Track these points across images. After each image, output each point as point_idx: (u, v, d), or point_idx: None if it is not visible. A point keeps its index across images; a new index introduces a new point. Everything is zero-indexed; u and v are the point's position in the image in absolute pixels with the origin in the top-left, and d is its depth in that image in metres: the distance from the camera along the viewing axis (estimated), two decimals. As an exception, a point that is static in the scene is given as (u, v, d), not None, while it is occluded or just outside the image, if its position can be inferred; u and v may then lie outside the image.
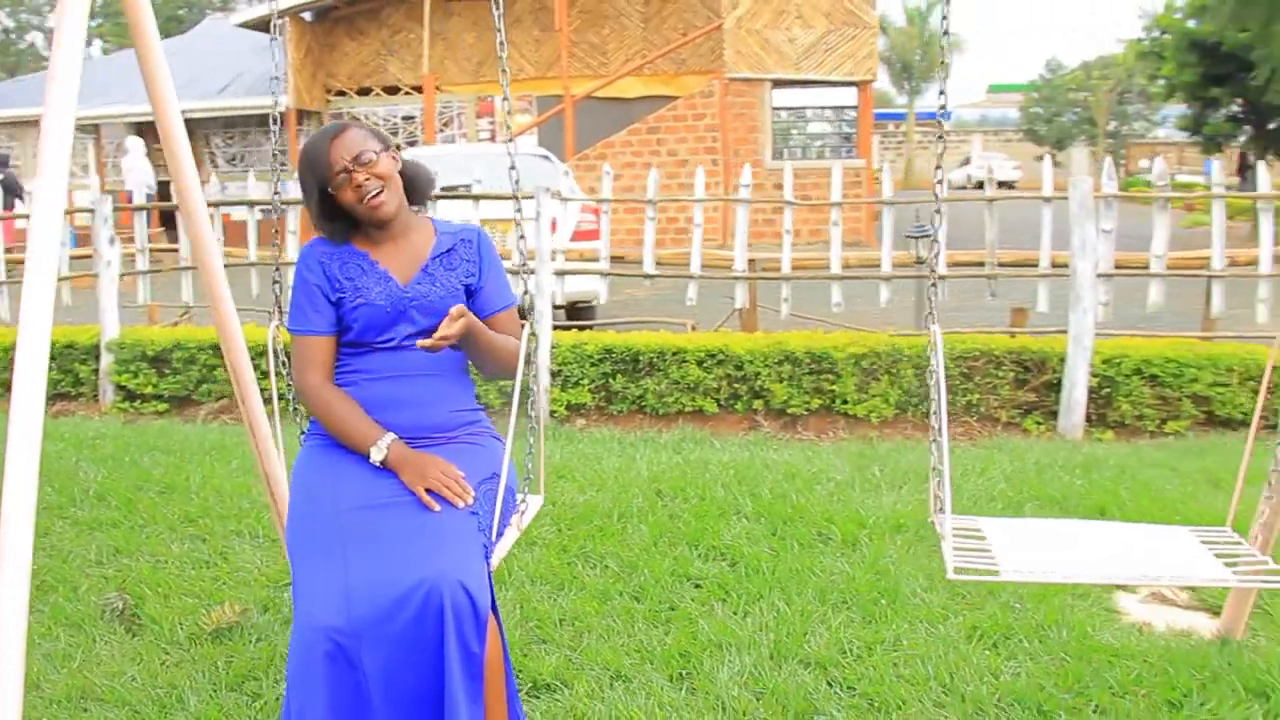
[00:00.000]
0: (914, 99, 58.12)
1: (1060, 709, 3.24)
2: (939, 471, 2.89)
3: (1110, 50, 48.85)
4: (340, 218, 2.75)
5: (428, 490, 2.55)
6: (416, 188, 2.84)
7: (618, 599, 3.97)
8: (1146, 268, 6.97)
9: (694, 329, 8.33)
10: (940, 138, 3.06)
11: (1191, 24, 23.04)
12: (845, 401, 6.82)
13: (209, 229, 3.29)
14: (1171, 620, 3.96)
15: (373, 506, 2.53)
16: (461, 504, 2.54)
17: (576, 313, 9.65)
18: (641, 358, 6.81)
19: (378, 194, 2.69)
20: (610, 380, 6.82)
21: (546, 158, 11.38)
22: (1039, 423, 6.79)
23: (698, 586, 4.14)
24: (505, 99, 2.93)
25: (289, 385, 2.95)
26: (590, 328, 7.93)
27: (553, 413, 6.80)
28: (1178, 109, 50.36)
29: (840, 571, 4.25)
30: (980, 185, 37.51)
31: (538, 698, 3.28)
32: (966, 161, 49.17)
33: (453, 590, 2.33)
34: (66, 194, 2.41)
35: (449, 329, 2.58)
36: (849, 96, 20.41)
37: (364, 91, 22.32)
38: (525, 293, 2.92)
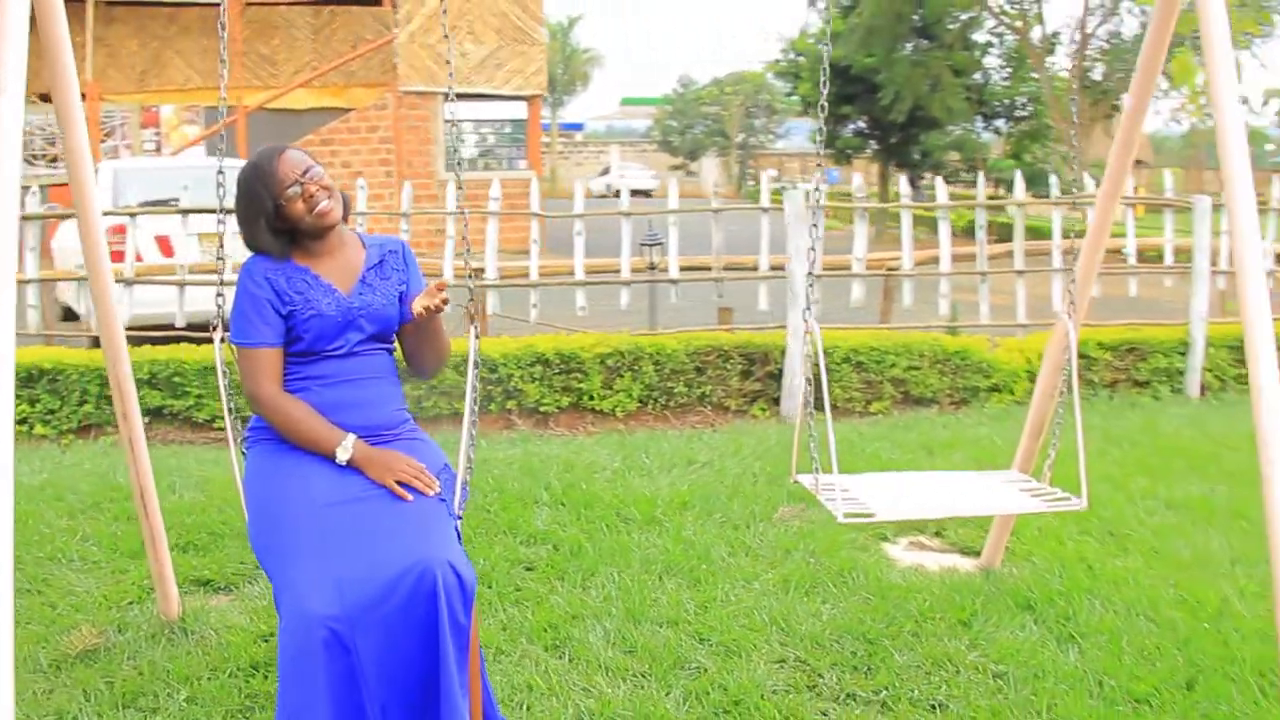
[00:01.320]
0: (556, 110, 59.88)
1: (881, 636, 3.85)
2: (811, 439, 3.38)
3: (740, 68, 52.48)
4: (282, 233, 2.90)
5: (399, 482, 2.75)
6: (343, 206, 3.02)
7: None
8: (849, 269, 7.93)
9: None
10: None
11: (825, 48, 25.35)
12: (592, 398, 7.29)
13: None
14: (937, 561, 4.71)
15: (348, 502, 2.70)
16: (431, 492, 2.76)
17: None
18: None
19: (329, 203, 2.86)
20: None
21: None
22: (764, 409, 7.56)
23: (530, 569, 4.46)
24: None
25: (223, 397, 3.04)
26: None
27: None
28: (800, 123, 54.96)
29: (654, 545, 4.70)
30: (620, 194, 39.11)
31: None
32: (606, 171, 51.23)
33: (443, 570, 2.56)
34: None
35: (437, 297, 2.82)
36: (520, 110, 21.03)
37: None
38: (470, 300, 3.14)
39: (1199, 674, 3.61)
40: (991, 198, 10.28)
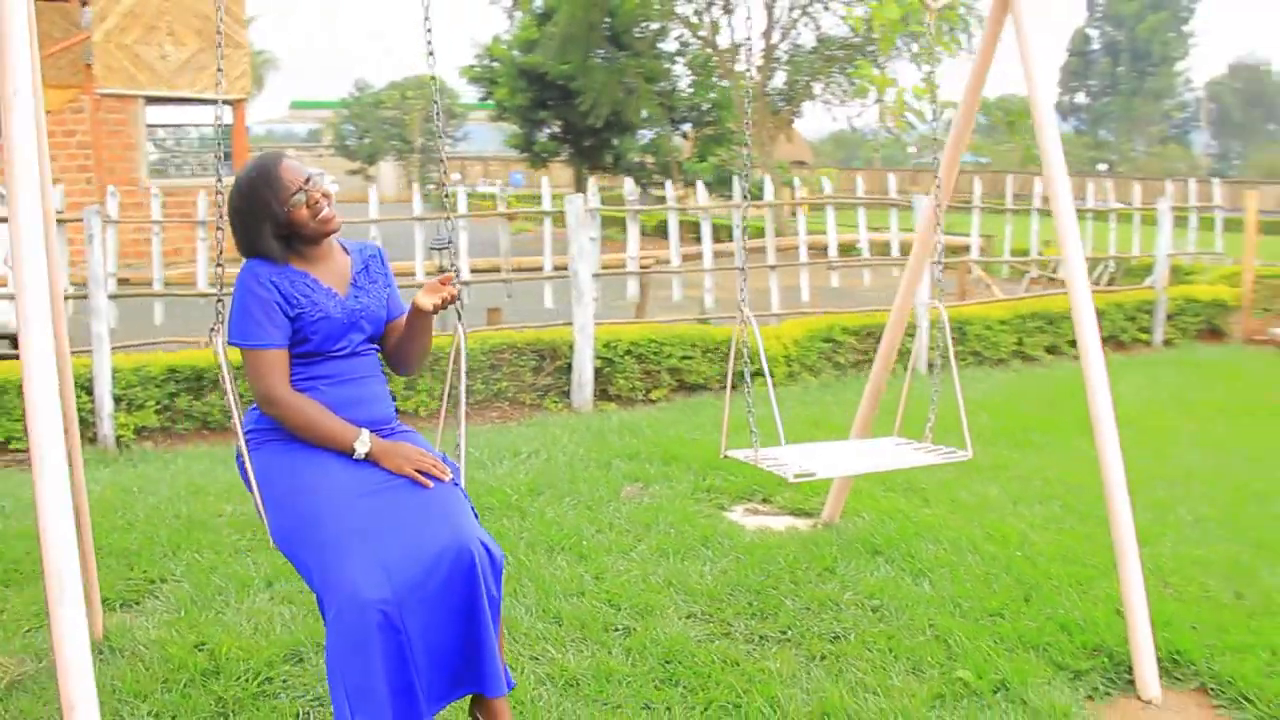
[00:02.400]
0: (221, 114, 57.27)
1: (765, 586, 4.35)
2: (750, 414, 3.81)
3: (420, 72, 52.21)
4: (281, 238, 2.99)
5: (419, 471, 2.92)
6: None
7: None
8: (624, 268, 8.45)
9: (204, 345, 8.36)
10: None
11: (517, 54, 25.97)
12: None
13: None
14: (778, 523, 5.28)
15: (376, 491, 2.84)
16: (447, 478, 2.96)
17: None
18: (205, 376, 6.86)
19: (331, 211, 2.99)
20: (175, 400, 6.79)
21: None
22: (556, 401, 7.96)
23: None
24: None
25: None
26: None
27: (118, 438, 6.64)
28: (478, 127, 55.22)
29: (527, 529, 5.01)
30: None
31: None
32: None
33: (477, 548, 2.79)
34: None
35: (444, 291, 3.03)
36: (224, 114, 20.25)
37: None
38: (457, 297, 3.31)
39: (1030, 590, 4.35)
40: (681, 199, 11.20)
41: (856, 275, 9.97)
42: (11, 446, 6.49)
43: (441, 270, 8.55)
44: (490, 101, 30.05)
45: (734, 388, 3.95)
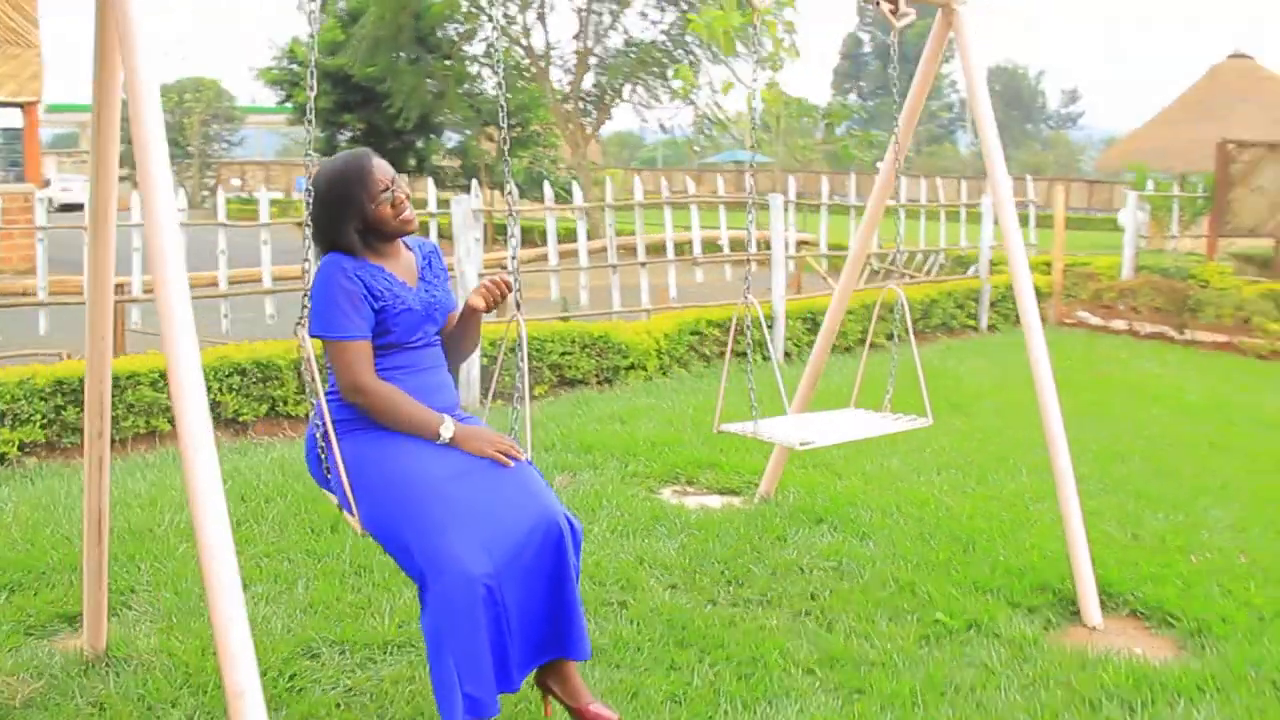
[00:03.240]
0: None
1: (730, 557, 4.70)
2: (751, 389, 4.14)
3: (200, 74, 50.38)
4: (358, 233, 3.12)
5: (500, 452, 3.10)
6: None
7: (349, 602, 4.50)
8: (505, 268, 8.66)
9: (67, 357, 8.10)
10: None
11: (319, 56, 25.49)
12: (286, 403, 7.44)
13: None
14: (711, 501, 5.65)
15: (466, 473, 3.02)
16: (525, 458, 3.16)
17: None
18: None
19: (411, 212, 3.14)
20: (62, 413, 6.60)
21: None
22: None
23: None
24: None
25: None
26: None
27: (3, 456, 6.41)
28: (253, 130, 53.68)
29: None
30: (65, 208, 35.92)
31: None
32: (47, 184, 46.94)
33: (562, 521, 3.03)
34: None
35: (496, 292, 3.24)
36: (13, 118, 19.20)
37: None
38: (516, 289, 3.48)
39: (966, 543, 4.87)
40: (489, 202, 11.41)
41: (689, 273, 10.45)
42: None
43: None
44: (288, 105, 29.38)
45: (737, 359, 4.26)
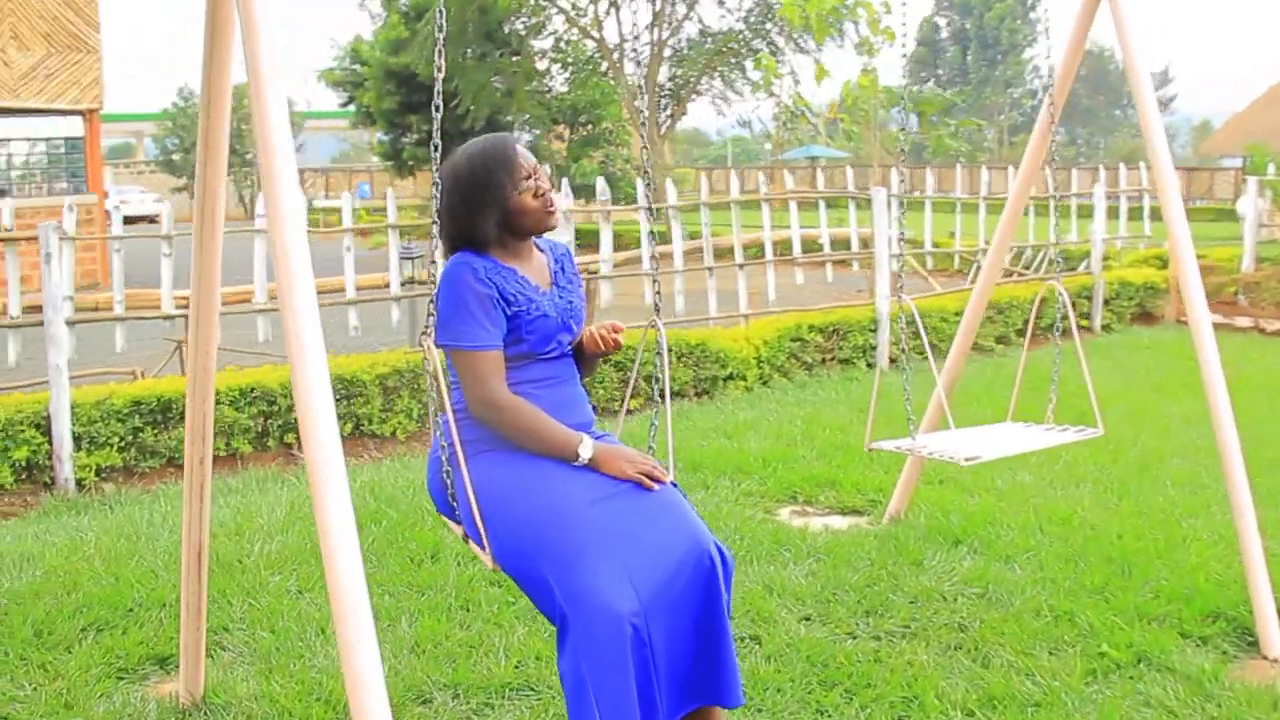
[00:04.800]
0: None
1: (865, 584, 4.53)
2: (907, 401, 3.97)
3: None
4: (497, 227, 2.98)
5: (641, 474, 2.93)
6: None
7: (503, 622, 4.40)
8: (596, 272, 8.56)
9: (142, 375, 8.14)
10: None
11: (384, 55, 25.68)
12: (371, 421, 7.40)
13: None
14: (836, 522, 5.48)
15: (608, 498, 2.85)
16: (669, 480, 3.01)
17: None
18: (174, 406, 6.70)
19: (555, 203, 3.00)
20: (140, 435, 6.61)
21: None
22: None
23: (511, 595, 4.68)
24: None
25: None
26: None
27: (79, 481, 6.41)
28: (313, 136, 54.26)
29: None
30: (125, 220, 36.63)
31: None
32: (105, 195, 47.86)
33: (713, 551, 2.87)
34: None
35: (609, 345, 3.10)
36: (75, 126, 19.54)
37: None
38: (656, 292, 3.35)
39: (1122, 566, 4.64)
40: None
41: (788, 274, 10.27)
42: None
43: (412, 281, 8.51)
44: (350, 108, 29.67)
45: (883, 368, 4.10)
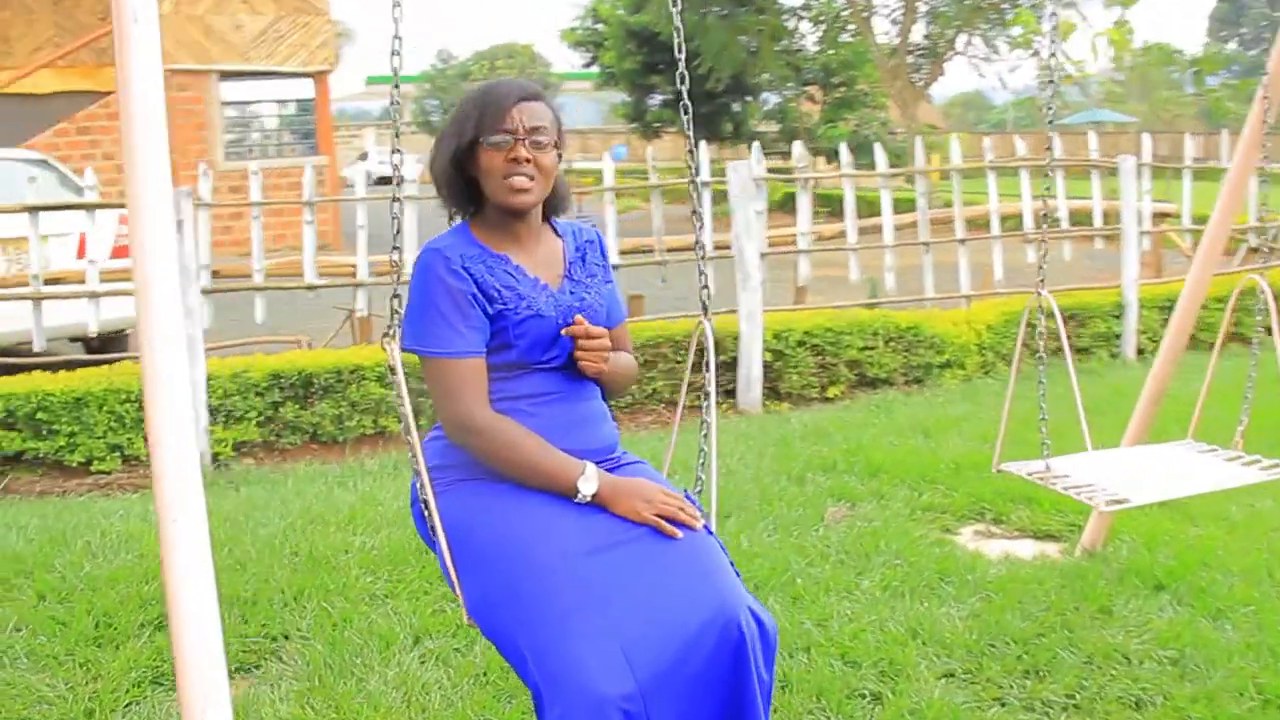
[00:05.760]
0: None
1: (1030, 634, 3.84)
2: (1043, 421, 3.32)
3: (508, 40, 52.26)
4: (463, 182, 2.55)
5: (661, 516, 2.41)
6: (552, 203, 2.66)
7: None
8: (795, 244, 7.97)
9: (309, 345, 8.09)
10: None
11: (624, 14, 25.57)
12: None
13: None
14: (1019, 548, 4.76)
15: (610, 547, 2.37)
16: (699, 525, 2.45)
17: (105, 345, 8.67)
18: (315, 381, 6.54)
19: (527, 180, 2.49)
20: (279, 410, 6.48)
21: (44, 162, 10.32)
22: (719, 402, 7.49)
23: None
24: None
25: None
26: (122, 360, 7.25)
27: (215, 456, 6.35)
28: (570, 98, 55.10)
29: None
30: (382, 181, 38.07)
31: None
32: (364, 156, 50.04)
33: (745, 619, 2.30)
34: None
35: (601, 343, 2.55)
36: (305, 88, 20.23)
37: None
38: (704, 287, 2.87)
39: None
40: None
41: (1017, 251, 9.32)
42: (94, 469, 6.19)
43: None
44: (593, 69, 29.73)
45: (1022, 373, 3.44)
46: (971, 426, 6.66)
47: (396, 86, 2.45)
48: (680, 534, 2.41)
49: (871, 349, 7.83)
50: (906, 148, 13.94)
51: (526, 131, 2.49)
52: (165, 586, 1.84)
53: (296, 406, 6.54)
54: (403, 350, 2.46)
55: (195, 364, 6.21)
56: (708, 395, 2.74)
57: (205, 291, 6.74)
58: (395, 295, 2.49)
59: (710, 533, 2.51)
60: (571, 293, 2.61)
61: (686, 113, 2.59)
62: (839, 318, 7.83)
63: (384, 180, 37.54)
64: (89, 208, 7.13)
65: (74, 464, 6.19)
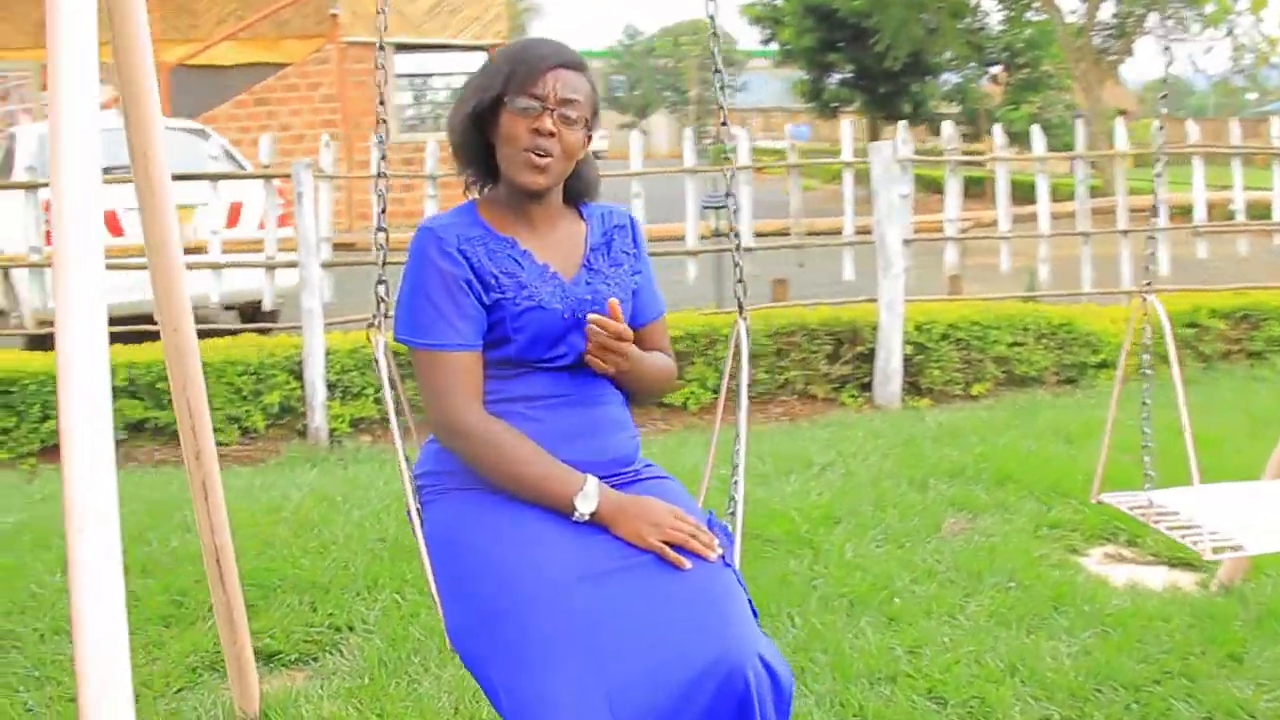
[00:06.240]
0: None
1: (1146, 681, 3.39)
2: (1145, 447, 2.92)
3: (695, 16, 51.86)
4: (479, 147, 2.29)
5: (668, 543, 2.11)
6: (578, 188, 2.39)
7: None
8: (941, 231, 7.49)
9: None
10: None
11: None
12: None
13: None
14: (1151, 576, 4.28)
15: (604, 575, 2.07)
16: (714, 556, 2.13)
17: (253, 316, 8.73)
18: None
19: (546, 158, 2.20)
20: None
21: (202, 132, 10.52)
22: (854, 395, 7.11)
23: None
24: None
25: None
26: (270, 331, 7.25)
27: (332, 432, 6.27)
28: (758, 76, 54.40)
29: (820, 573, 4.21)
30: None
31: None
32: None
33: (754, 666, 1.98)
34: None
35: (605, 357, 2.23)
36: (478, 62, 20.32)
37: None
38: (739, 280, 2.58)
39: None
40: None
41: (1227, 243, 8.59)
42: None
43: (717, 234, 7.80)
44: (772, 47, 29.16)
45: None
46: (1120, 434, 6.08)
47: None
48: (688, 564, 2.11)
49: (1021, 345, 7.31)
50: (1089, 131, 13.10)
51: (558, 101, 2.21)
52: (71, 604, 1.62)
53: (414, 384, 6.40)
54: (397, 339, 2.28)
55: (314, 337, 6.14)
56: (740, 416, 2.42)
57: (325, 265, 6.68)
58: (381, 280, 2.26)
59: (728, 565, 2.19)
60: (587, 283, 2.31)
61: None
62: (987, 310, 7.33)
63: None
64: (234, 178, 7.17)
65: (193, 434, 6.15)
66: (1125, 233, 7.93)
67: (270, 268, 7.16)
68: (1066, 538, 4.66)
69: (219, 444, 6.00)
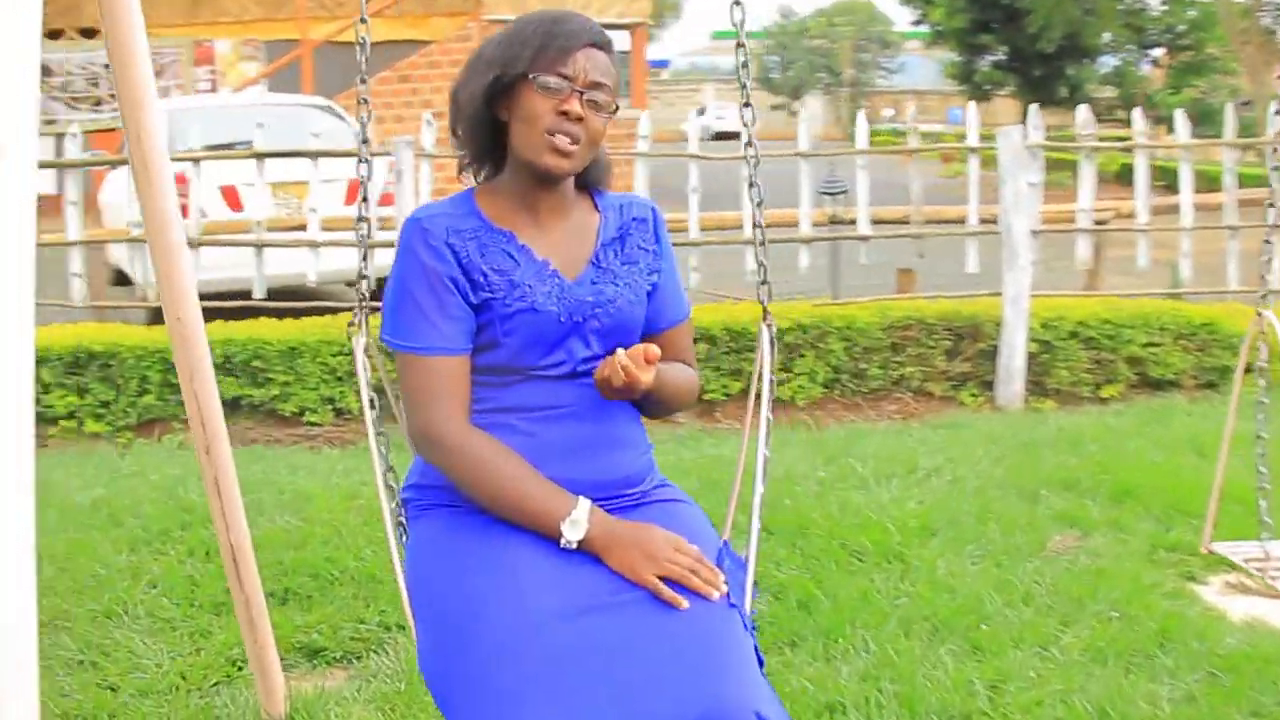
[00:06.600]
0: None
1: (1256, 738, 3.01)
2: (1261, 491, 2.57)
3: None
4: (489, 127, 2.06)
5: (664, 579, 1.89)
6: (590, 173, 2.14)
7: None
8: (1072, 223, 7.02)
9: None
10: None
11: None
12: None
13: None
14: (1273, 613, 3.83)
15: (588, 612, 1.85)
16: (716, 595, 1.91)
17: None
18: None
19: (571, 144, 1.99)
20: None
21: (330, 109, 10.53)
22: (975, 394, 6.70)
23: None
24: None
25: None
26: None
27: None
28: (914, 58, 53.18)
29: (904, 592, 3.90)
30: (718, 136, 37.71)
31: None
32: (702, 111, 50.06)
33: None
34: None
35: (643, 374, 1.94)
36: (621, 41, 20.14)
37: (54, 34, 19.97)
38: (763, 282, 2.33)
39: None
40: (1151, 137, 9.15)
41: None
42: (307, 420, 6.08)
43: (833, 220, 7.43)
44: (924, 28, 28.33)
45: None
46: (1246, 454, 5.60)
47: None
48: (685, 603, 1.87)
49: (1157, 346, 6.79)
50: (1255, 118, 12.32)
51: (587, 84, 2.00)
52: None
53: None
54: (381, 339, 2.08)
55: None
56: (763, 432, 2.16)
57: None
58: (362, 276, 2.05)
59: (733, 605, 1.93)
60: (592, 283, 2.07)
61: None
62: (1120, 308, 6.83)
63: (721, 135, 37.37)
64: (330, 155, 7.11)
65: (287, 414, 6.11)
66: (1276, 227, 7.28)
67: (369, 247, 7.07)
68: (1184, 563, 4.22)
69: (311, 424, 6.01)
